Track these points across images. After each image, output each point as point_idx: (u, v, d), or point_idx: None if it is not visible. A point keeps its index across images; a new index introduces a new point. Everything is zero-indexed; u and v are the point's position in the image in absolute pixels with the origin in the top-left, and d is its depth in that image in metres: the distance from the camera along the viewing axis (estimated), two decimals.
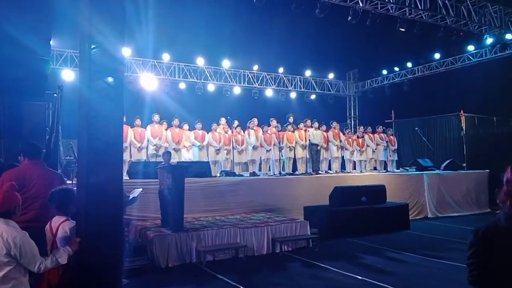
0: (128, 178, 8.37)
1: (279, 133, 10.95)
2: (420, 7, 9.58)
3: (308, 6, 9.01)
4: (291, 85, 16.81)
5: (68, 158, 9.45)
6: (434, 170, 11.73)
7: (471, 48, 12.99)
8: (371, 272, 5.90)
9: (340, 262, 6.40)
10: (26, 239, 2.70)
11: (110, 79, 3.33)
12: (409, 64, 15.85)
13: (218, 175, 9.74)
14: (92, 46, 3.27)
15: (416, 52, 14.66)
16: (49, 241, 3.08)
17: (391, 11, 9.64)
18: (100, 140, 3.25)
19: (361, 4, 9.26)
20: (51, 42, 11.31)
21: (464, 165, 12.79)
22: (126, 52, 13.05)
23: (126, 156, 9.25)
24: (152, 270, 5.95)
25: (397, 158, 12.77)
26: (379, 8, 9.53)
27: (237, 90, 15.58)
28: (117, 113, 3.44)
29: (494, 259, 1.79)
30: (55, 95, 8.95)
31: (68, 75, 12.63)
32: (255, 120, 11.03)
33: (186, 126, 10.16)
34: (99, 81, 3.29)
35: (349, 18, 9.24)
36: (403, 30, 9.92)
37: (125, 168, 8.93)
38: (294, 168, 11.33)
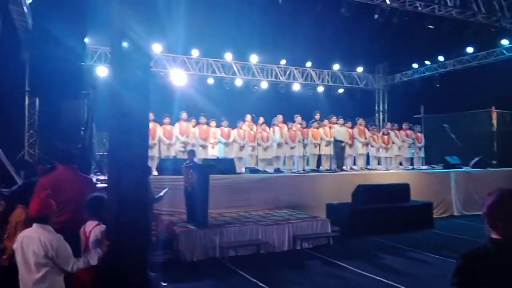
0: (157, 174, 8.79)
1: (304, 129, 11.08)
2: (449, 4, 9.39)
3: (335, 6, 9.04)
4: (319, 79, 16.78)
5: (102, 153, 10.00)
6: (462, 168, 11.56)
7: (505, 42, 12.56)
8: (388, 272, 6.03)
9: (359, 261, 6.55)
10: (61, 241, 3.04)
11: (139, 74, 3.52)
12: (441, 58, 15.44)
13: (243, 170, 10.02)
14: (123, 42, 3.46)
15: (447, 45, 14.27)
16: (82, 243, 3.45)
17: (419, 8, 9.48)
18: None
19: (388, 2, 9.16)
20: (86, 40, 11.89)
21: (495, 162, 12.50)
22: (157, 48, 13.48)
23: (155, 153, 9.69)
24: (177, 264, 6.33)
25: (424, 155, 12.65)
26: (407, 5, 9.41)
27: (264, 85, 15.72)
28: (144, 111, 3.60)
29: (477, 286, 1.83)
30: (90, 92, 9.48)
31: (102, 71, 13.20)
32: (280, 117, 11.20)
33: (213, 123, 10.47)
34: (130, 77, 3.48)
35: (376, 16, 9.17)
36: (432, 27, 9.75)
37: (154, 164, 9.36)
38: (319, 164, 11.46)
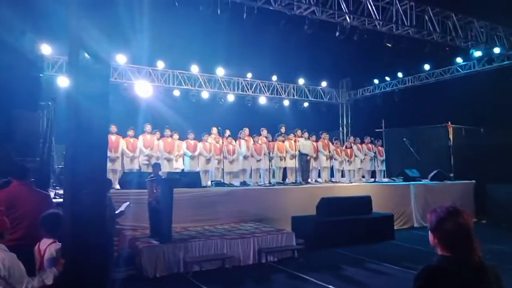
0: (119, 188, 8.57)
1: (270, 143, 11.18)
2: (406, 24, 9.85)
3: (297, 23, 9.29)
4: (285, 93, 17.03)
5: (61, 166, 9.65)
6: (421, 181, 12.00)
7: (459, 60, 13.26)
8: (351, 284, 6.13)
9: (323, 273, 6.62)
10: (14, 260, 2.90)
11: (98, 86, 3.44)
12: (400, 74, 16.10)
13: (209, 183, 9.96)
14: (82, 52, 3.39)
15: (407, 62, 14.93)
16: (37, 261, 3.30)
17: (378, 27, 9.89)
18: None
19: (348, 20, 9.50)
20: (49, 50, 11.51)
21: (452, 175, 13.06)
22: (121, 59, 13.27)
23: (118, 166, 9.47)
24: (140, 280, 6.15)
25: (385, 168, 13.06)
26: (366, 24, 9.79)
27: (231, 98, 15.78)
28: (103, 124, 3.52)
29: None
30: (49, 103, 9.18)
31: (63, 82, 12.81)
32: (246, 130, 11.26)
33: (176, 136, 10.36)
34: (88, 88, 3.40)
35: (337, 34, 9.48)
36: (390, 45, 10.17)
37: (117, 178, 9.14)
38: (284, 177, 11.57)
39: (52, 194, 7.08)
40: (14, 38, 8.66)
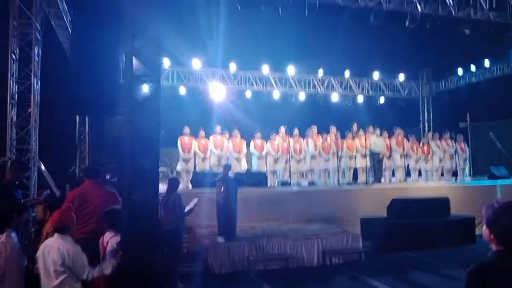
0: (191, 187, 9.07)
1: (339, 141, 10.94)
2: (485, 7, 8.94)
3: (363, 15, 8.94)
4: (358, 89, 16.47)
5: None
6: (509, 179, 10.88)
7: None
8: None
9: (388, 278, 6.37)
10: (78, 251, 3.28)
11: (149, 91, 3.74)
12: (487, 63, 14.63)
13: (276, 183, 10.07)
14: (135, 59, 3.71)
15: (494, 49, 13.54)
16: (101, 253, 3.70)
17: (453, 12, 9.09)
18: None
19: (419, 8, 8.87)
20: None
21: None
22: (196, 63, 13.93)
23: (191, 167, 9.97)
24: (205, 276, 6.47)
25: (470, 166, 12.03)
26: (439, 10, 9.06)
27: (302, 96, 15.67)
28: (155, 130, 3.82)
29: None
30: None
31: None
32: (314, 128, 11.13)
33: (238, 134, 10.52)
34: (139, 94, 3.72)
35: (407, 23, 8.95)
36: (467, 32, 9.33)
37: (189, 178, 9.67)
38: (355, 177, 11.25)
39: None
40: (97, 46, 9.54)
